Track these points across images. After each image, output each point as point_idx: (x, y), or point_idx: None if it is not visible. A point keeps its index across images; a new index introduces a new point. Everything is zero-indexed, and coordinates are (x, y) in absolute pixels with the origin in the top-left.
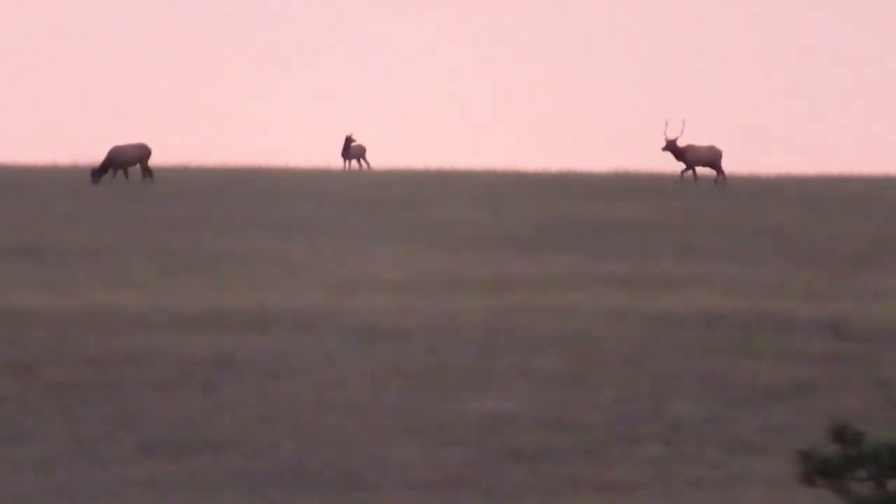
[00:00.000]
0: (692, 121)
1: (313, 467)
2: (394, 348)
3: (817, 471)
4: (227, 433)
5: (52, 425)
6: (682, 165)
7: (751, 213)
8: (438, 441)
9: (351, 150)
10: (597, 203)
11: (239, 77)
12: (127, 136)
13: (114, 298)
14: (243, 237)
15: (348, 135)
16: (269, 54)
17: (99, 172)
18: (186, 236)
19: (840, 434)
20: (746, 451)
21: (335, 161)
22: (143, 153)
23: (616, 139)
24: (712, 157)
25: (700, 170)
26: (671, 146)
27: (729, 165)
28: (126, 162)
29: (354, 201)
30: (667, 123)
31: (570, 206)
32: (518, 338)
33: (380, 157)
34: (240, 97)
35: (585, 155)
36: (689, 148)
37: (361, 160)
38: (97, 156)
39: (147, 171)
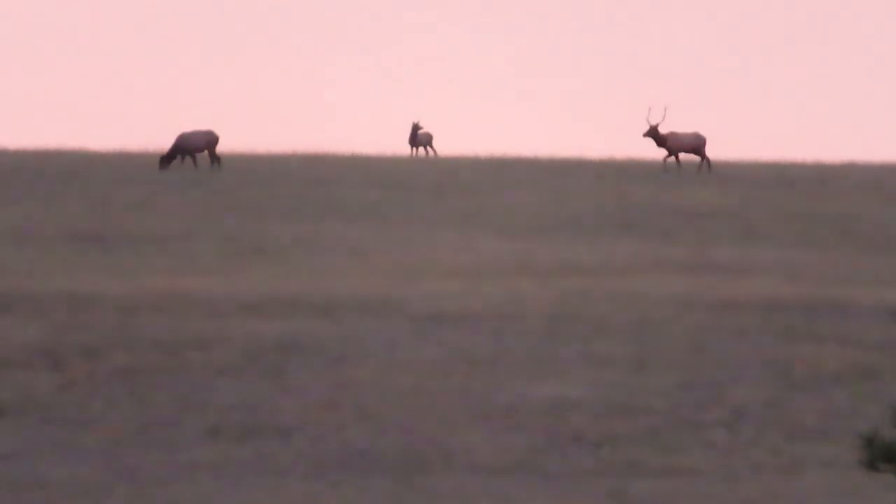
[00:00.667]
0: (751, 107)
1: (379, 451)
2: (459, 334)
3: (880, 456)
4: (293, 417)
5: (120, 409)
6: (664, 153)
7: (813, 199)
8: (503, 426)
9: (418, 137)
10: (660, 190)
11: (307, 64)
12: (195, 123)
13: (181, 284)
14: (310, 223)
15: (415, 122)
16: (336, 42)
17: (167, 159)
18: (253, 222)
19: None
20: (809, 436)
21: (402, 148)
22: (210, 140)
23: (681, 127)
24: (696, 144)
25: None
26: (652, 132)
27: (792, 153)
28: (194, 148)
29: (421, 188)
30: (650, 109)
31: (633, 192)
32: (582, 323)
33: (446, 145)
34: (308, 85)
35: (649, 142)
36: (672, 135)
37: (428, 147)
38: (165, 142)
39: (215, 158)
